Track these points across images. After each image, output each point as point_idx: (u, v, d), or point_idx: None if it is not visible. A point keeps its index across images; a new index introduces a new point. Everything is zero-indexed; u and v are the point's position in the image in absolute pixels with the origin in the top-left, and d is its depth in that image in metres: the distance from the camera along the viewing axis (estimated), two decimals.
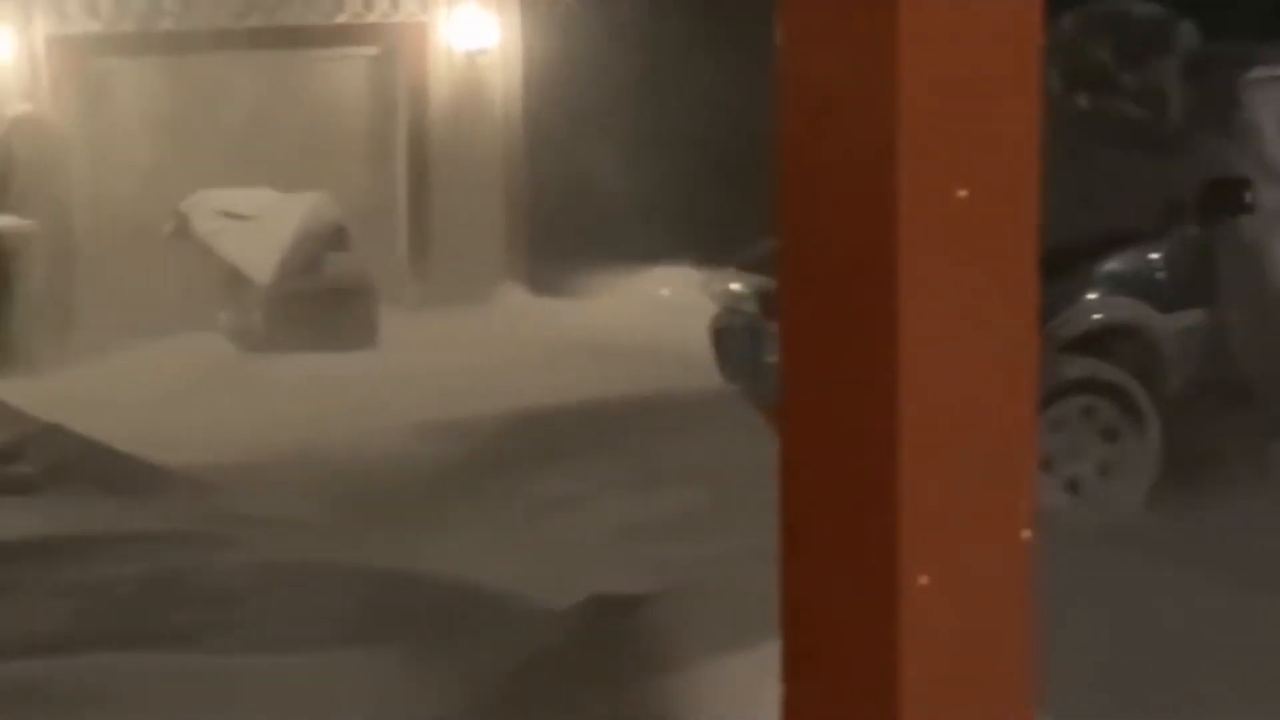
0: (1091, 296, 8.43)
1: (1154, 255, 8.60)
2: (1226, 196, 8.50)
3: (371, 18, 13.82)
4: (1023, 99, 2.16)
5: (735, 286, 9.44)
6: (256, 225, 12.23)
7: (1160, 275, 8.58)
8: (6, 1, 12.34)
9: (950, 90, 2.11)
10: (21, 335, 11.49)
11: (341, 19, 13.69)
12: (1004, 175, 2.17)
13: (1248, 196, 8.49)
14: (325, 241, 12.35)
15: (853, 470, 2.16)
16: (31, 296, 11.76)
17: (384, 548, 7.28)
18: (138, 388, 10.63)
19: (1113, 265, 8.51)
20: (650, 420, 9.62)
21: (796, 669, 2.17)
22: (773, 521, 6.82)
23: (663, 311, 12.54)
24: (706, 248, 12.61)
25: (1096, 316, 8.45)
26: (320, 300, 12.03)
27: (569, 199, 13.74)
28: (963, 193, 2.18)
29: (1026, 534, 2.19)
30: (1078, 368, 8.24)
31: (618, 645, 4.91)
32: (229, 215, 12.38)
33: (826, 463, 2.21)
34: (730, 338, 9.19)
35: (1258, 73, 8.82)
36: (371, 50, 13.96)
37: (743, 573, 6.02)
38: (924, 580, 2.09)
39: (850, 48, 2.12)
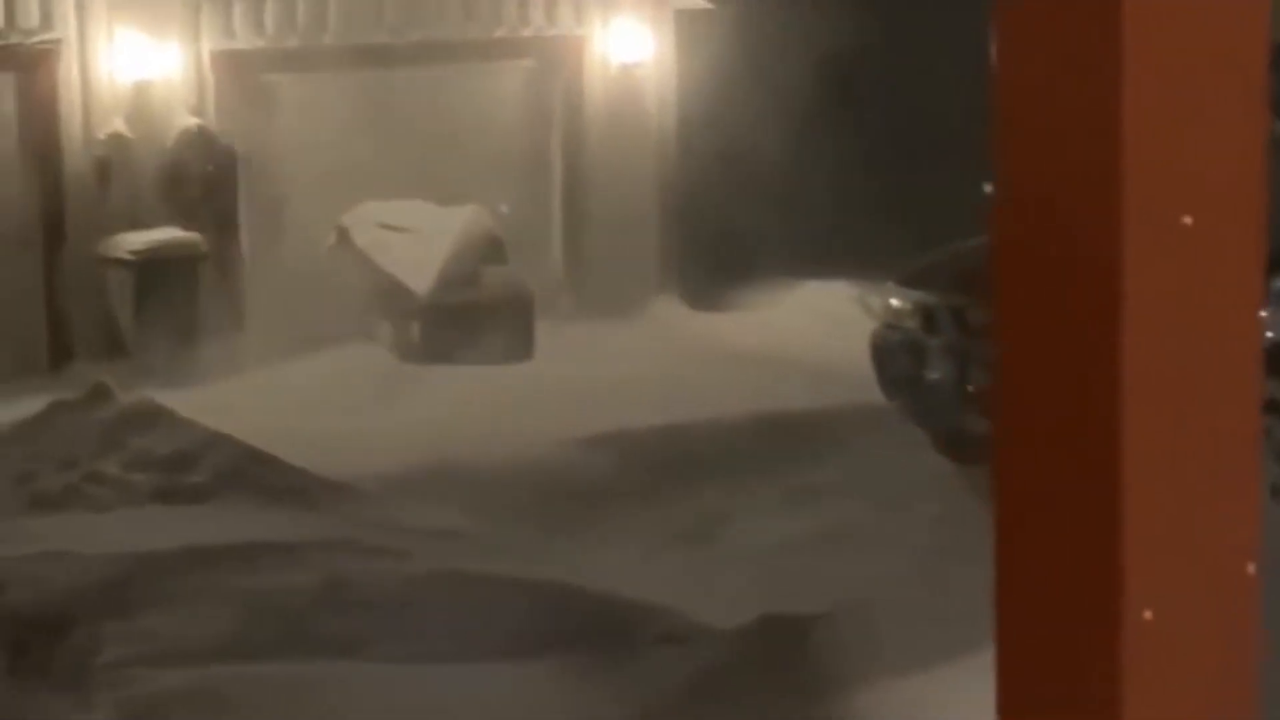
0: (1263, 314, 8.25)
1: None
2: None
3: (528, 32, 13.92)
4: (1248, 122, 2.10)
5: (895, 302, 9.34)
6: (415, 238, 12.35)
7: None
8: (175, 18, 12.60)
9: (1175, 114, 2.06)
10: (189, 345, 11.70)
11: (499, 33, 13.80)
12: (1229, 201, 2.11)
13: None
14: (482, 253, 12.43)
15: (1074, 500, 2.11)
16: (199, 307, 11.97)
17: (543, 560, 7.31)
18: (301, 397, 10.77)
19: None
20: (808, 435, 9.57)
21: (1013, 705, 2.12)
22: (934, 540, 6.70)
23: (819, 326, 12.47)
24: (863, 262, 12.53)
25: (1270, 334, 8.27)
26: (477, 312, 12.11)
27: (724, 211, 13.72)
28: (1187, 219, 2.12)
29: (1251, 568, 2.13)
30: None
31: (791, 665, 4.87)
32: (388, 228, 12.51)
33: (1045, 493, 2.16)
34: (891, 354, 9.09)
35: None
36: (528, 63, 14.05)
37: (910, 593, 5.97)
38: (1148, 615, 2.03)
39: (1072, 69, 2.08)
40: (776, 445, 9.30)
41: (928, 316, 8.92)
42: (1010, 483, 2.15)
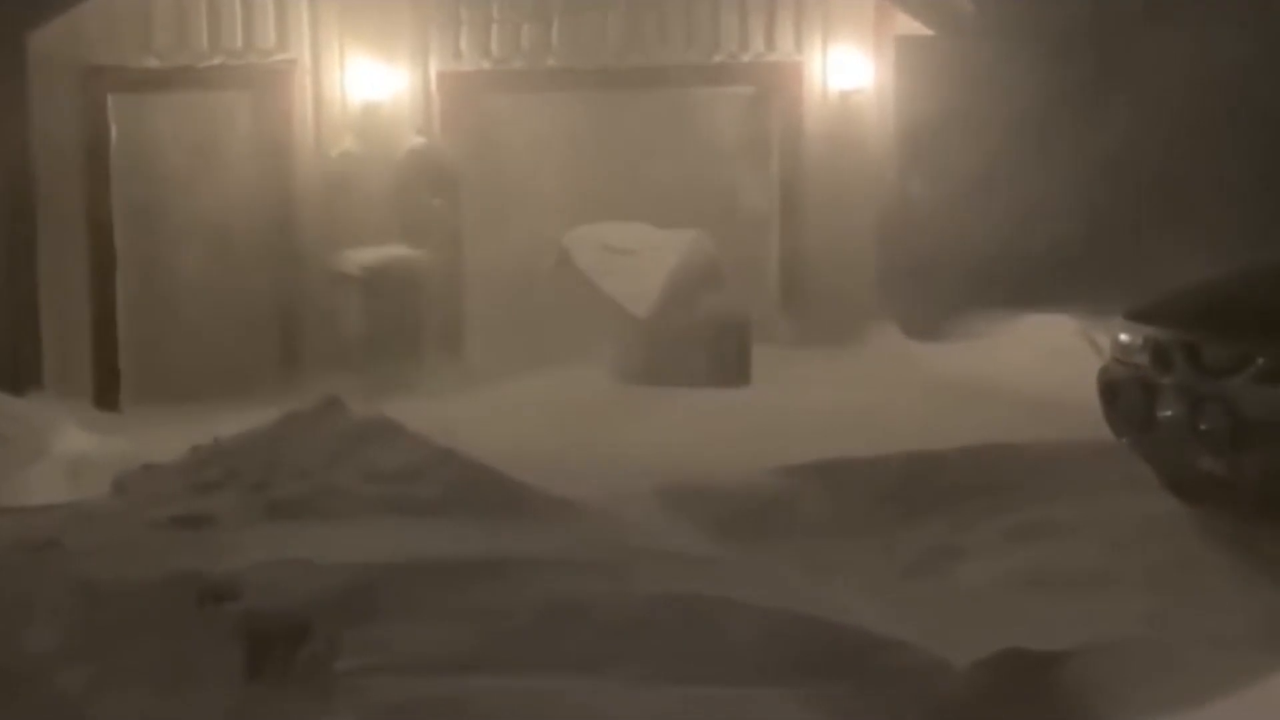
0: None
1: None
2: None
3: (746, 57, 13.97)
4: None
5: (1124, 337, 9.18)
6: (636, 261, 12.44)
7: None
8: (404, 41, 12.86)
9: None
10: (413, 361, 11.91)
11: (718, 59, 13.87)
12: None
13: None
14: (702, 278, 12.47)
15: None
16: (423, 324, 12.19)
17: (768, 586, 7.29)
18: (522, 416, 10.90)
19: None
20: (1029, 471, 9.43)
21: None
22: (1168, 582, 6.51)
23: (1041, 359, 12.29)
24: (1086, 296, 12.35)
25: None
26: (695, 337, 12.15)
27: (942, 241, 13.61)
28: None
29: None
30: None
31: (1034, 703, 4.81)
32: (610, 250, 12.61)
33: None
34: (1120, 390, 8.92)
35: None
36: (747, 89, 14.09)
37: (1153, 634, 5.84)
38: None
39: None
40: (998, 480, 9.18)
41: (1159, 353, 8.75)
42: None
